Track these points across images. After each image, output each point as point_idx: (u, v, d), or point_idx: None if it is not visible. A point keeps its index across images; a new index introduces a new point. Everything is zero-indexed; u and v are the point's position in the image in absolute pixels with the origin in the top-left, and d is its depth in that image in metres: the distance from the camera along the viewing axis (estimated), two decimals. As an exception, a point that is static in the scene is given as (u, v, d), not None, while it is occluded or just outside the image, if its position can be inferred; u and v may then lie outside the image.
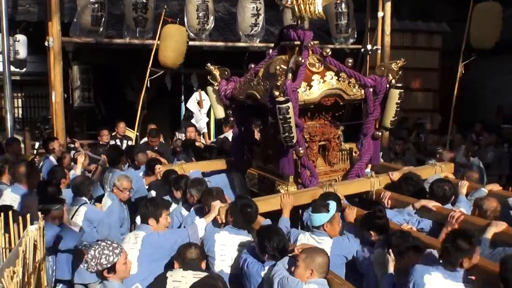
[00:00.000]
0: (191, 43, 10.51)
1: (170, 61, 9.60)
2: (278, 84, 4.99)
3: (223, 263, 4.43)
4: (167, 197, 5.67)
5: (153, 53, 9.58)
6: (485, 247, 3.98)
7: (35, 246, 3.24)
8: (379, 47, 11.62)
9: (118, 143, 9.87)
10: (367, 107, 5.67)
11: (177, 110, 12.92)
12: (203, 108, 11.36)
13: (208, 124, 11.72)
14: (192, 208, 5.30)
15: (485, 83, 15.74)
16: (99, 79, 12.53)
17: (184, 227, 4.90)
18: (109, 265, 3.44)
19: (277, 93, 4.99)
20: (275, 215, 4.98)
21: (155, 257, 4.46)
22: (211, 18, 10.64)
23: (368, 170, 6.08)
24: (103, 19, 9.76)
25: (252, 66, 5.99)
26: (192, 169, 6.41)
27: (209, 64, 6.16)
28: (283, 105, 4.90)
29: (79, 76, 11.94)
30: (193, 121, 11.45)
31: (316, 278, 3.60)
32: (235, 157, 6.52)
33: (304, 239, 4.40)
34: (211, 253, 4.48)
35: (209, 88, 6.19)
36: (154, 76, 9.93)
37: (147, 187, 6.59)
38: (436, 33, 15.24)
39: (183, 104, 12.55)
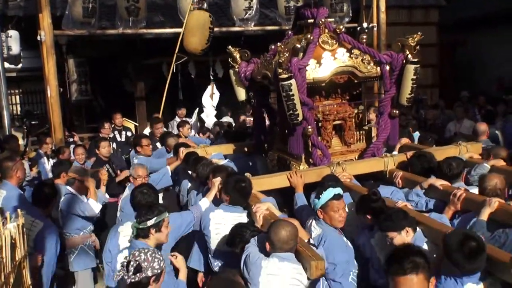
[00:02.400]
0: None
1: (192, 46, 9.63)
2: (281, 61, 4.94)
3: (217, 241, 4.44)
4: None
5: (180, 39, 9.65)
6: (483, 230, 3.83)
7: (14, 245, 3.14)
8: (375, 24, 11.51)
9: (117, 135, 9.87)
10: (384, 84, 5.58)
11: (175, 100, 12.87)
12: (213, 101, 11.34)
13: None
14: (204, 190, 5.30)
15: (483, 55, 15.64)
16: (96, 71, 12.49)
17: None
18: (159, 271, 3.26)
19: (280, 70, 4.95)
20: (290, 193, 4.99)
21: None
22: (205, 4, 10.54)
23: (395, 152, 5.90)
24: (95, 10, 9.68)
25: (272, 47, 5.86)
26: (214, 151, 6.45)
27: (230, 47, 6.15)
28: (286, 82, 4.89)
29: (75, 69, 11.88)
30: (203, 115, 11.42)
31: (279, 252, 3.52)
32: (257, 140, 6.53)
33: (312, 225, 4.29)
34: (206, 231, 4.52)
35: (231, 71, 6.17)
36: (179, 62, 10.17)
37: (170, 173, 6.49)
38: (433, 7, 15.12)
39: (180, 92, 12.50)
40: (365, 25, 11.58)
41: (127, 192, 5.98)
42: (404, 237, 3.70)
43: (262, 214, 4.23)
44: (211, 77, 12.10)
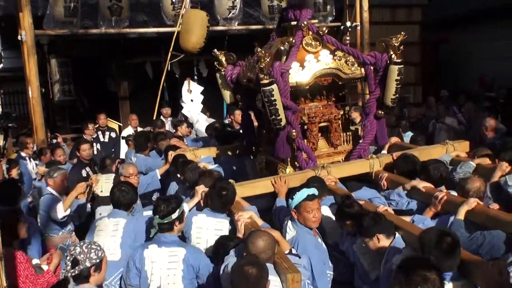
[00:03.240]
0: (167, 30, 10.42)
1: (191, 45, 9.55)
2: (262, 66, 4.93)
3: (198, 245, 4.41)
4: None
5: (174, 37, 9.62)
6: (462, 230, 3.87)
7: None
8: (358, 23, 11.56)
9: (101, 135, 9.80)
10: (368, 85, 5.58)
11: (160, 100, 12.79)
12: (191, 95, 11.27)
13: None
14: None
15: (466, 53, 15.76)
16: (79, 71, 12.36)
17: None
18: (98, 260, 3.29)
19: (261, 75, 4.93)
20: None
21: (137, 242, 4.51)
22: (188, 3, 10.50)
23: (384, 151, 5.95)
24: (77, 9, 9.59)
25: (258, 49, 5.89)
26: (203, 154, 6.43)
27: (215, 50, 6.13)
28: (267, 88, 4.88)
29: (57, 69, 11.74)
30: (184, 111, 11.36)
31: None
32: (245, 142, 6.52)
33: (287, 225, 4.28)
34: (188, 234, 4.50)
35: (217, 74, 6.15)
36: (175, 60, 10.13)
37: (159, 176, 6.48)
38: (416, 6, 15.19)
39: (166, 92, 12.43)
40: (348, 24, 11.63)
41: None
42: (375, 243, 3.75)
43: (243, 222, 4.19)
44: (195, 77, 12.07)
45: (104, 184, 6.22)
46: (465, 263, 3.22)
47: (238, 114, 9.38)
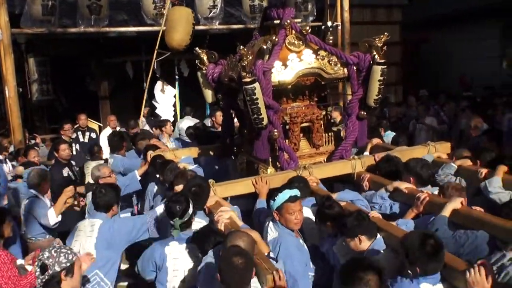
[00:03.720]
0: (147, 29, 10.33)
1: (176, 42, 9.51)
2: (244, 64, 4.86)
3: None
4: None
5: (160, 36, 9.58)
6: (445, 227, 3.85)
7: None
8: (339, 23, 11.59)
9: (80, 135, 9.68)
10: (351, 86, 5.53)
11: (140, 99, 12.70)
12: (165, 95, 11.18)
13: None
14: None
15: (446, 53, 15.94)
16: (58, 70, 12.20)
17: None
18: (68, 264, 3.18)
19: (244, 73, 4.87)
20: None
21: (112, 244, 4.50)
22: (168, 2, 10.43)
23: (366, 153, 5.91)
24: (55, 8, 9.47)
25: (241, 47, 5.71)
26: (183, 155, 6.35)
27: (197, 48, 6.04)
28: (249, 86, 4.80)
29: (35, 68, 11.55)
30: (158, 111, 11.28)
31: None
32: (226, 142, 6.43)
33: (269, 226, 4.22)
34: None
35: (198, 73, 6.04)
36: (161, 58, 10.06)
37: (139, 177, 6.39)
38: (396, 7, 15.31)
39: (146, 92, 12.33)
40: (329, 24, 11.64)
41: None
42: (357, 243, 3.71)
43: (223, 223, 4.15)
44: (177, 76, 11.99)
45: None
46: (449, 267, 3.20)
47: (219, 115, 9.36)
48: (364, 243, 3.70)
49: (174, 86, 11.62)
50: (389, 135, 7.89)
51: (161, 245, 4.11)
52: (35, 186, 5.78)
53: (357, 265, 3.02)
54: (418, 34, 16.43)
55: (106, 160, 7.34)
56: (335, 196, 4.56)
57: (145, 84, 12.14)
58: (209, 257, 3.64)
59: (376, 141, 6.25)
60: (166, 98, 11.25)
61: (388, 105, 12.29)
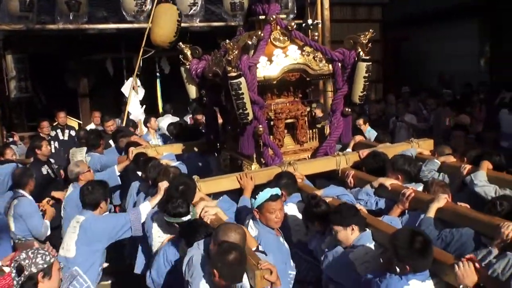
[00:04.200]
0: (128, 26, 10.24)
1: (161, 39, 9.48)
2: (230, 58, 4.84)
3: (159, 245, 4.39)
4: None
5: (146, 33, 9.53)
6: (431, 228, 3.87)
7: None
8: (320, 21, 11.61)
9: (60, 133, 9.57)
10: (336, 82, 5.53)
11: (121, 96, 12.59)
12: (138, 95, 11.04)
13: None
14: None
15: (426, 51, 16.09)
16: (37, 67, 12.05)
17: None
18: (45, 265, 3.11)
19: (229, 68, 4.85)
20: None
21: (92, 241, 4.53)
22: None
23: (349, 149, 5.88)
24: (33, 4, 9.34)
25: (225, 43, 5.65)
26: (166, 151, 6.32)
27: (181, 43, 6.00)
28: (235, 80, 4.80)
29: (13, 65, 11.38)
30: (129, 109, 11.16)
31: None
32: (209, 139, 6.40)
33: (249, 224, 4.18)
34: (149, 233, 4.50)
35: (182, 68, 6.00)
36: (146, 56, 10.03)
37: (118, 173, 6.43)
38: (376, 5, 15.43)
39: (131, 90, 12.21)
40: (310, 21, 11.65)
41: (71, 190, 5.85)
42: (348, 233, 3.71)
43: (209, 219, 4.16)
44: (158, 74, 11.91)
45: (79, 158, 6.43)
46: (438, 262, 3.21)
47: (200, 118, 9.36)
48: (355, 234, 3.72)
49: (155, 84, 11.53)
50: (370, 132, 7.95)
51: (173, 245, 4.13)
52: (24, 185, 5.76)
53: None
54: (398, 32, 16.57)
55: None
56: (321, 192, 4.57)
57: (125, 81, 12.11)
58: (195, 249, 3.61)
59: (359, 138, 6.27)
60: (136, 98, 11.06)
61: (368, 102, 12.36)
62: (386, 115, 11.28)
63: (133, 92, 10.76)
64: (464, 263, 3.01)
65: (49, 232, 5.77)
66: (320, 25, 11.57)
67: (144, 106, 10.95)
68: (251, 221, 4.16)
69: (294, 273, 4.02)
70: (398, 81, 15.35)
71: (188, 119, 10.57)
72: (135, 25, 10.46)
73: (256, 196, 4.02)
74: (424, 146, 5.77)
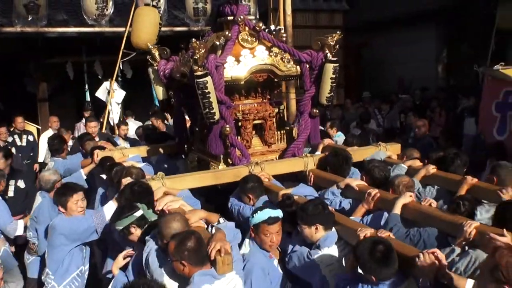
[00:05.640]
0: (89, 29, 10.10)
1: (143, 42, 9.18)
2: (196, 57, 4.78)
3: None
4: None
5: (125, 36, 9.51)
6: (399, 225, 3.87)
7: None
8: (282, 27, 11.67)
9: (17, 139, 9.34)
10: (304, 83, 5.52)
11: (82, 100, 12.40)
12: (113, 98, 10.91)
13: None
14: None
15: (386, 57, 16.40)
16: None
17: None
18: None
19: (195, 67, 4.80)
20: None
21: (54, 243, 4.54)
22: (111, 3, 10.27)
23: (318, 152, 5.87)
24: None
25: (193, 40, 5.59)
26: (132, 154, 6.22)
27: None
28: (201, 79, 4.75)
29: (-31, 69, 11.10)
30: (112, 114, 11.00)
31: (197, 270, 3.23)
32: (177, 141, 6.32)
33: (245, 241, 3.98)
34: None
35: (149, 69, 5.91)
36: (125, 59, 9.98)
37: (85, 176, 6.27)
38: (337, 11, 15.68)
39: (87, 93, 12.04)
40: (272, 27, 11.70)
41: (39, 199, 5.71)
42: (312, 232, 3.73)
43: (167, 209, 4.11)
44: (119, 78, 11.78)
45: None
46: (407, 258, 3.20)
47: (155, 121, 9.40)
48: (319, 233, 3.73)
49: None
50: (339, 137, 8.02)
51: None
52: None
53: None
54: (359, 38, 16.85)
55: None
56: (290, 190, 4.58)
57: (86, 85, 11.96)
58: (151, 242, 3.59)
59: (327, 141, 6.29)
60: (115, 99, 10.93)
61: (329, 107, 12.50)
62: (345, 120, 11.48)
63: (105, 95, 10.63)
64: (425, 255, 3.03)
65: (20, 233, 5.68)
66: (282, 31, 11.66)
67: (120, 110, 10.87)
68: (247, 239, 3.99)
69: None
70: (359, 86, 15.60)
71: (149, 123, 10.49)
72: (97, 29, 10.34)
73: (254, 214, 3.84)
74: (391, 150, 5.82)
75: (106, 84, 10.75)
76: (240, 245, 3.89)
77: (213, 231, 3.60)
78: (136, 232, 3.95)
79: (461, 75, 13.31)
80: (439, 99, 12.03)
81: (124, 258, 3.89)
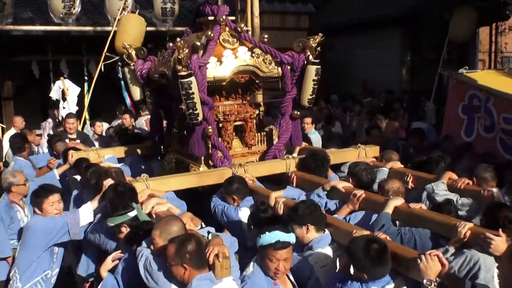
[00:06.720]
0: (55, 28, 9.93)
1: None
2: (180, 57, 4.77)
3: None
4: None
5: (109, 39, 9.47)
6: (390, 224, 3.89)
7: None
8: (250, 28, 11.76)
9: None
10: (285, 85, 5.56)
11: (47, 99, 12.15)
12: (69, 96, 10.67)
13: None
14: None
15: (350, 59, 16.58)
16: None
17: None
18: None
19: (179, 67, 4.79)
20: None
21: (28, 243, 4.50)
22: (78, 2, 10.14)
23: (295, 154, 5.85)
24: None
25: (171, 44, 5.58)
26: (107, 154, 6.16)
27: (125, 43, 5.86)
28: (185, 80, 4.73)
29: None
30: (62, 112, 10.77)
31: (197, 274, 3.17)
32: (153, 142, 6.26)
33: (252, 259, 3.60)
34: None
35: (125, 69, 5.84)
36: (107, 62, 9.85)
37: (58, 177, 6.18)
38: (304, 14, 15.87)
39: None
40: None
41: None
42: (303, 232, 3.74)
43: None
44: (85, 77, 11.61)
45: None
46: (402, 258, 3.24)
47: (127, 118, 9.35)
48: (311, 233, 3.74)
49: (82, 87, 11.20)
50: (314, 133, 8.06)
51: None
52: None
53: None
54: (324, 41, 17.02)
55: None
56: (281, 193, 4.62)
57: (52, 84, 11.70)
58: (145, 249, 3.50)
59: (303, 144, 6.32)
60: (69, 97, 10.67)
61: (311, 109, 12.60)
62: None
63: (60, 94, 10.38)
64: (427, 256, 3.06)
65: None
66: (250, 32, 11.72)
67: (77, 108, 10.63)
68: (252, 261, 3.58)
69: None
70: (324, 89, 15.75)
71: (116, 123, 10.37)
72: (63, 28, 10.18)
73: (262, 235, 3.39)
74: (370, 152, 5.90)
75: (58, 83, 10.51)
76: (242, 265, 3.63)
77: (210, 237, 3.53)
78: (126, 232, 3.92)
79: (424, 79, 13.61)
80: (402, 101, 12.30)
81: (113, 261, 3.85)
